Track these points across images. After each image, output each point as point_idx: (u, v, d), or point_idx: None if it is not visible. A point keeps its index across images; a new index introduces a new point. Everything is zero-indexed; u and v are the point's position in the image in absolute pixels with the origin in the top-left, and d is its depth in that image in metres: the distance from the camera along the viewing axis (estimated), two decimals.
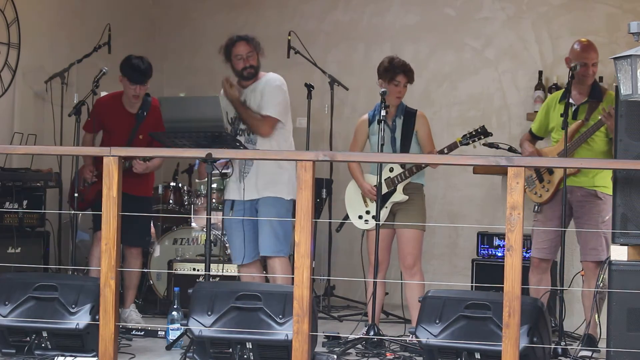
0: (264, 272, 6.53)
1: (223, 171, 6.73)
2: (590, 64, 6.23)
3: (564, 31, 8.25)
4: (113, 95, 7.04)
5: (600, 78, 7.82)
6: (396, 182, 6.43)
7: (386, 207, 6.39)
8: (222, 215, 6.52)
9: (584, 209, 6.25)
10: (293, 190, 6.17)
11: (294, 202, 6.13)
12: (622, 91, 4.71)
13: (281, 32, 8.11)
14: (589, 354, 5.87)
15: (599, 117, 6.13)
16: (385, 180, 6.39)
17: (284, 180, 6.28)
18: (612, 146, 6.03)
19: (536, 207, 6.42)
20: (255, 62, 6.36)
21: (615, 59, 4.72)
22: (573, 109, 6.29)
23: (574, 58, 6.27)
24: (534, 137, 6.61)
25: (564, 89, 6.42)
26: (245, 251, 6.33)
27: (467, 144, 6.34)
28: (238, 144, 5.98)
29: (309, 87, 7.45)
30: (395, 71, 6.46)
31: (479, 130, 6.34)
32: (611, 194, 6.09)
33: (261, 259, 6.43)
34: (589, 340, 5.95)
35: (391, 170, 6.44)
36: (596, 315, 5.48)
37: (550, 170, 6.30)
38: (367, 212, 6.52)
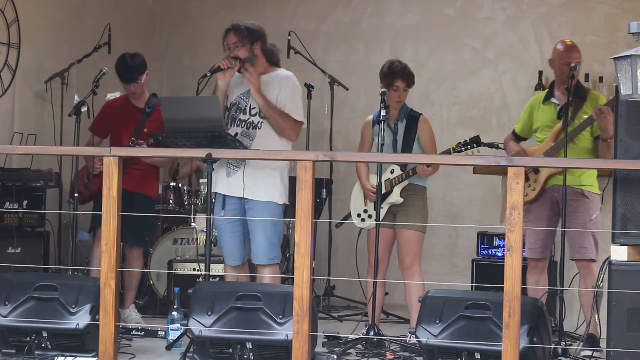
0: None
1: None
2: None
3: (564, 31, 8.24)
4: (123, 96, 7.09)
5: (601, 78, 7.83)
6: (394, 183, 6.45)
7: (382, 207, 6.41)
8: (213, 210, 6.06)
9: (571, 207, 6.20)
10: (285, 194, 6.03)
11: (285, 206, 6.10)
12: (622, 91, 4.71)
13: (281, 32, 8.10)
14: (589, 353, 5.86)
15: (584, 117, 6.14)
16: (385, 181, 6.42)
17: (277, 183, 6.00)
18: (597, 144, 6.08)
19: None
20: (242, 53, 5.99)
21: (615, 59, 4.72)
22: (557, 109, 6.31)
23: (557, 58, 6.30)
24: (517, 138, 6.63)
25: (546, 90, 6.47)
26: (237, 252, 6.10)
27: (460, 151, 6.34)
28: (238, 144, 5.96)
29: (309, 87, 7.42)
30: (393, 76, 6.47)
31: (473, 139, 6.34)
32: (597, 192, 6.17)
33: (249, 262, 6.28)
34: (591, 340, 5.94)
35: (392, 172, 6.47)
36: (596, 315, 5.47)
37: (535, 170, 6.30)
38: (365, 211, 6.60)
